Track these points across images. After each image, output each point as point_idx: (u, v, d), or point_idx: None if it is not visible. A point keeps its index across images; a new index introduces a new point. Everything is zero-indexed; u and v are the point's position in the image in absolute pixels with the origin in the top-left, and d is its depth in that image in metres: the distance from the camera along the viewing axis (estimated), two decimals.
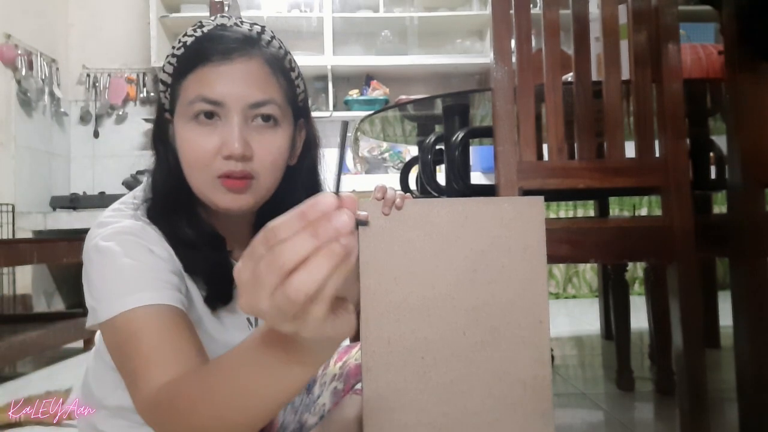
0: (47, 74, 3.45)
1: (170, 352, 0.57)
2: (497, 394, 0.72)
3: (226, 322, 0.73)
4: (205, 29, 0.66)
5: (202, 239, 0.68)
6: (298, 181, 0.74)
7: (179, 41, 0.67)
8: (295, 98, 0.72)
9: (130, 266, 0.61)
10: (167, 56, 0.68)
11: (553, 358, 2.00)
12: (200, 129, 0.63)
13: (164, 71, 0.67)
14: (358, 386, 0.86)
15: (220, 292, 0.68)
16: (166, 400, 0.53)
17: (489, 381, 0.72)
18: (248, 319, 0.76)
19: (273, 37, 0.70)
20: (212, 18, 0.68)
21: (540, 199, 0.74)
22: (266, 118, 0.66)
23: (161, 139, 0.70)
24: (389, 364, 0.73)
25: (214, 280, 0.68)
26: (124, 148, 3.82)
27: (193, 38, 0.66)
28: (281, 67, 0.68)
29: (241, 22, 0.69)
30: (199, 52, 0.64)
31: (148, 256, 0.62)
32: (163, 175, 0.68)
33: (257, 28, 0.69)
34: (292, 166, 0.74)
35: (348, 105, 3.89)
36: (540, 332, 0.72)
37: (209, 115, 0.63)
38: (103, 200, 3.23)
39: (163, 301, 0.60)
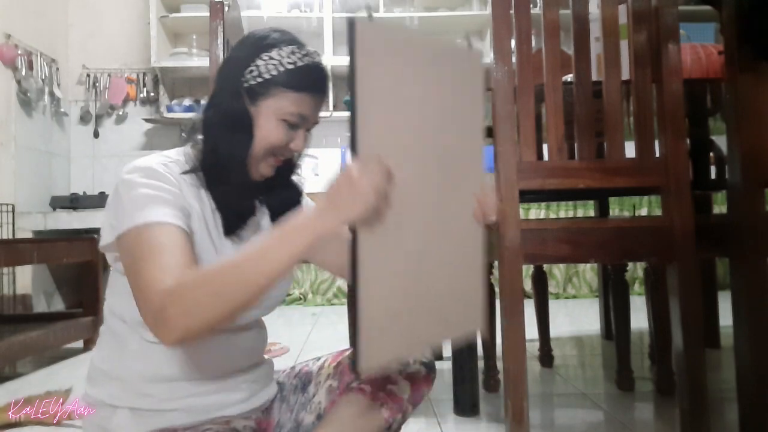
0: (47, 74, 3.45)
1: (182, 261, 0.73)
2: (456, 236, 0.78)
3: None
4: (310, 59, 0.88)
5: (247, 190, 0.90)
6: None
7: (290, 57, 0.86)
8: None
9: (152, 190, 0.78)
10: (269, 57, 0.86)
11: (553, 357, 2.01)
12: (285, 127, 0.87)
13: (266, 69, 0.86)
14: (354, 384, 0.88)
15: (237, 222, 0.89)
16: (186, 284, 0.69)
17: (451, 227, 0.77)
18: None
19: None
20: (311, 49, 0.90)
21: (479, 52, 0.83)
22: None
23: (236, 113, 0.87)
24: (386, 247, 0.68)
25: (238, 215, 0.89)
26: (124, 148, 3.82)
27: (304, 64, 0.87)
28: None
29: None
30: (309, 82, 0.87)
31: (166, 186, 0.80)
32: (233, 143, 0.87)
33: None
34: None
35: (348, 105, 3.89)
36: (476, 169, 0.81)
37: (294, 123, 0.88)
38: (103, 200, 3.20)
39: (176, 222, 0.76)
